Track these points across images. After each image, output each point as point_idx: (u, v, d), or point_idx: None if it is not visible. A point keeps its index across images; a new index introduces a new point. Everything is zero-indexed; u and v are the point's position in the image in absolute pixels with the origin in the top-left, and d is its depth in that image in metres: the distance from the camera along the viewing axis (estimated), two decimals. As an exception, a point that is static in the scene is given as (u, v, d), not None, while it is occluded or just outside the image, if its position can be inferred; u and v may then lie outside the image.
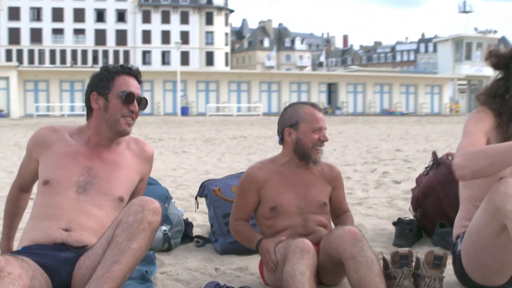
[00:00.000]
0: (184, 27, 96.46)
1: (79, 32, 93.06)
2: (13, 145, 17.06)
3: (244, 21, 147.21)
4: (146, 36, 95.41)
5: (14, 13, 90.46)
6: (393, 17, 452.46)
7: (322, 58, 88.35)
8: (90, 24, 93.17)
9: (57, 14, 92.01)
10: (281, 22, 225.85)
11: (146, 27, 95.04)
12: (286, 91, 57.18)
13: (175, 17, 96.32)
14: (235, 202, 3.72)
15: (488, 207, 3.03)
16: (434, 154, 5.03)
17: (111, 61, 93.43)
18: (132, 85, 3.17)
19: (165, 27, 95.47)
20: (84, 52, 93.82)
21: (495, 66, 3.33)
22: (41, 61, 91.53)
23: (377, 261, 3.11)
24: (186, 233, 4.89)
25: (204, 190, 4.80)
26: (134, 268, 2.79)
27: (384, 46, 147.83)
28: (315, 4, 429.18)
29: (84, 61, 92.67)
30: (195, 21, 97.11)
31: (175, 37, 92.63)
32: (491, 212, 3.01)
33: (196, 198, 4.92)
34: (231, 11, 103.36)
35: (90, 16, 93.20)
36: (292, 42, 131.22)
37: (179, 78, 51.20)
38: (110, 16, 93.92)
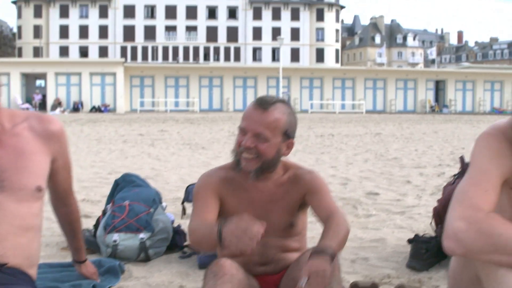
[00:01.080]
0: (295, 24, 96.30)
1: (191, 29, 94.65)
2: (94, 139, 17.13)
3: (355, 17, 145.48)
4: (257, 33, 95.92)
5: (129, 11, 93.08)
6: (511, 11, 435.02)
7: (433, 55, 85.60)
8: (202, 21, 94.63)
9: (170, 12, 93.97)
10: (394, 18, 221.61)
11: (257, 23, 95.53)
12: (392, 88, 55.70)
13: (285, 14, 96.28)
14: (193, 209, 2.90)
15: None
16: (462, 159, 4.30)
17: (222, 57, 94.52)
18: None
19: (276, 23, 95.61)
20: (196, 49, 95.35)
21: None
22: (154, 57, 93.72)
23: None
24: (174, 242, 4.40)
25: (189, 195, 4.30)
26: None
27: (501, 42, 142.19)
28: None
29: (196, 58, 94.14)
30: (306, 17, 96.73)
31: (285, 33, 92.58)
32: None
33: (182, 203, 4.41)
34: (342, 7, 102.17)
35: (202, 13, 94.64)
36: (404, 38, 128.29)
37: (281, 75, 50.81)
38: (222, 13, 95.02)
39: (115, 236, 4.14)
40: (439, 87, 56.84)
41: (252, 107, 2.71)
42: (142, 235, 4.15)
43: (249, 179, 2.79)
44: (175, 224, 4.61)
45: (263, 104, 2.69)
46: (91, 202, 6.54)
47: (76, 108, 48.81)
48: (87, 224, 5.16)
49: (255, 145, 2.67)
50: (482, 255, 2.06)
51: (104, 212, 4.50)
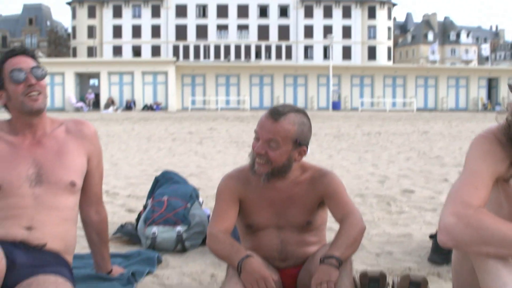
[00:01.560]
0: (346, 22, 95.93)
1: (242, 27, 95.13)
2: (145, 138, 17.59)
3: (408, 15, 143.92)
4: (308, 31, 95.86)
5: (181, 10, 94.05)
6: None
7: (487, 52, 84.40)
8: (253, 20, 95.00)
9: (222, 11, 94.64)
10: (447, 15, 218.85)
11: (308, 22, 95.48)
12: (444, 85, 55.26)
13: (337, 12, 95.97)
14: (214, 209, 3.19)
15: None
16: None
17: (273, 56, 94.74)
18: (19, 62, 2.94)
19: (327, 21, 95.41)
20: (247, 47, 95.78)
21: None
22: (206, 56, 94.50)
23: None
24: (210, 235, 4.70)
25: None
26: None
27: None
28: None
29: (247, 56, 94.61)
30: (357, 15, 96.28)
31: (337, 31, 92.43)
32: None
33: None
34: (394, 4, 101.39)
35: (253, 12, 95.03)
36: (458, 35, 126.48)
37: (331, 73, 50.86)
38: (273, 12, 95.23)
39: (154, 229, 4.45)
40: (491, 85, 56.14)
41: (265, 116, 2.93)
42: (179, 228, 4.45)
43: (272, 180, 3.02)
44: (211, 218, 4.90)
45: (274, 114, 2.90)
46: (136, 197, 6.88)
47: (129, 106, 49.71)
48: (131, 218, 5.52)
49: (266, 151, 2.90)
50: (472, 247, 2.28)
51: (145, 207, 4.82)
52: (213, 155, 12.40)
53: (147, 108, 49.64)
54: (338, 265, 2.73)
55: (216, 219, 3.05)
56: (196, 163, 10.79)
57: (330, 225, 4.37)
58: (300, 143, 2.95)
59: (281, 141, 2.89)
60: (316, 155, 12.13)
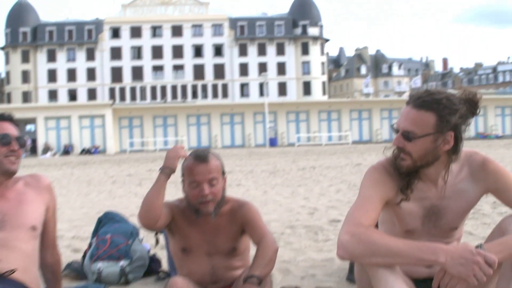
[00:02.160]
0: (281, 58, 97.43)
1: (178, 67, 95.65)
2: (84, 182, 17.84)
3: (341, 49, 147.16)
4: (243, 69, 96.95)
5: (116, 52, 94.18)
6: (494, 37, 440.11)
7: (418, 83, 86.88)
8: (188, 60, 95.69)
9: (157, 52, 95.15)
10: (378, 48, 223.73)
11: (243, 60, 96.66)
12: (377, 118, 56.79)
13: (271, 49, 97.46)
14: None
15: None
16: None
17: (209, 94, 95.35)
18: (6, 128, 3.42)
19: (262, 59, 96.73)
20: (184, 87, 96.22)
21: None
22: (143, 97, 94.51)
23: None
24: (151, 268, 5.16)
25: (161, 227, 5.08)
26: None
27: (485, 67, 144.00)
28: (413, 28, 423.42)
29: (184, 95, 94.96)
30: (291, 51, 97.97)
31: (272, 68, 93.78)
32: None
33: (156, 235, 5.18)
34: (327, 40, 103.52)
35: (188, 52, 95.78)
36: (390, 67, 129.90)
37: (266, 110, 51.75)
38: (208, 51, 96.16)
39: (99, 264, 4.90)
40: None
41: (194, 163, 3.42)
42: (122, 263, 4.91)
43: (197, 216, 3.51)
44: (151, 253, 5.38)
45: (202, 158, 3.43)
46: (80, 239, 7.28)
47: (67, 151, 49.51)
48: (77, 257, 5.93)
49: (210, 191, 3.42)
50: (363, 259, 2.83)
51: (89, 245, 5.26)
52: (152, 195, 12.76)
53: (85, 152, 49.50)
54: (258, 282, 3.26)
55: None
56: (136, 204, 11.16)
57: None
58: (224, 173, 3.51)
59: (218, 176, 3.44)
60: (251, 191, 12.67)
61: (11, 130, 3.45)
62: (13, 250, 3.33)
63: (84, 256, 5.27)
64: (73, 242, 7.07)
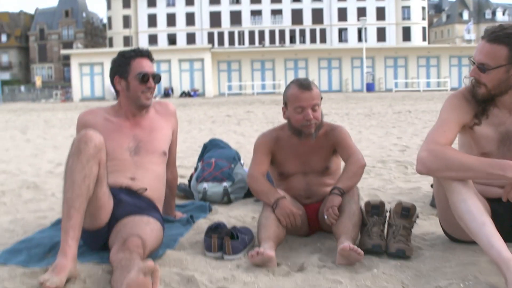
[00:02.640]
0: (380, 3, 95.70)
1: (276, 12, 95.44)
2: (185, 121, 18.61)
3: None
4: (342, 14, 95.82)
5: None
6: None
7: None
8: (287, 4, 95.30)
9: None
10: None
11: (342, 4, 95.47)
12: (478, 64, 55.37)
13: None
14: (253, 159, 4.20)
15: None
16: None
17: (307, 40, 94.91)
18: (145, 66, 3.91)
19: (361, 3, 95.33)
20: (282, 32, 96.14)
21: None
22: (241, 42, 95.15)
23: (359, 214, 3.74)
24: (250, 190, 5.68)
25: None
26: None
27: None
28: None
29: (281, 41, 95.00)
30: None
31: (371, 13, 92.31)
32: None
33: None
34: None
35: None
36: (493, 13, 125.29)
37: (364, 55, 51.37)
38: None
39: (205, 185, 5.46)
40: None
41: (301, 90, 3.86)
42: (225, 184, 5.44)
43: (293, 137, 4.01)
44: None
45: (307, 86, 3.88)
46: (185, 167, 7.88)
47: (167, 93, 50.84)
48: (183, 181, 6.53)
49: (313, 115, 3.87)
50: (439, 173, 3.22)
51: (195, 169, 5.83)
52: (250, 133, 13.34)
53: (184, 94, 50.75)
54: (340, 194, 3.75)
55: (255, 165, 4.06)
56: (235, 140, 11.75)
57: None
58: (321, 99, 3.96)
59: (319, 102, 3.91)
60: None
61: (149, 67, 3.94)
62: (147, 171, 3.87)
63: (190, 180, 5.83)
64: (179, 170, 7.66)
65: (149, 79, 3.92)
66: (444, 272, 3.16)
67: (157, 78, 3.98)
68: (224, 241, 3.58)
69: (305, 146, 4.03)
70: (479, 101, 3.40)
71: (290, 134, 4.04)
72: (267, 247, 3.40)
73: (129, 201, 3.62)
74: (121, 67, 3.91)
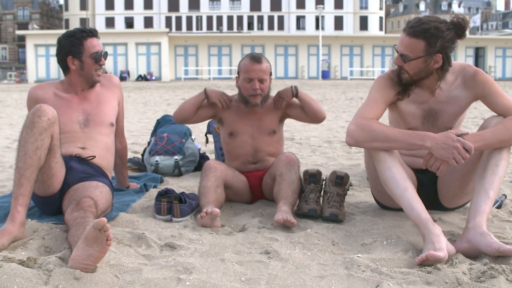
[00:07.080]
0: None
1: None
2: (141, 103, 18.78)
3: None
4: (300, 2, 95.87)
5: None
6: None
7: (477, 22, 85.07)
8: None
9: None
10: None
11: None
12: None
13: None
14: None
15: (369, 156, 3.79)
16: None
17: (265, 26, 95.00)
18: (96, 45, 4.19)
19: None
20: (240, 18, 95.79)
21: None
22: (198, 27, 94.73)
23: (298, 182, 4.08)
24: (200, 164, 5.98)
25: (210, 127, 5.89)
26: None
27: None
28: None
29: (239, 27, 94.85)
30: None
31: (329, 2, 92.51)
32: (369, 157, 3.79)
33: (206, 135, 6.01)
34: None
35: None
36: (449, 5, 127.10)
37: (320, 43, 51.87)
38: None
39: (157, 158, 5.76)
40: (478, 54, 57.25)
41: (252, 62, 4.23)
42: (176, 157, 5.75)
43: (246, 106, 4.35)
44: (202, 151, 6.21)
45: (257, 59, 4.24)
46: (139, 144, 8.17)
47: (123, 77, 50.54)
48: (137, 155, 6.81)
49: (260, 86, 4.24)
50: (366, 144, 3.57)
51: (149, 143, 6.12)
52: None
53: (141, 78, 50.60)
54: (295, 91, 4.32)
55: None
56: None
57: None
58: (271, 74, 4.34)
59: (267, 76, 4.28)
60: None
61: (99, 46, 4.24)
62: (96, 142, 4.16)
63: (143, 154, 6.12)
64: (132, 146, 7.97)
65: (101, 58, 4.19)
66: (371, 233, 3.52)
67: (105, 55, 4.25)
68: (173, 205, 3.89)
69: (255, 112, 4.39)
70: (404, 84, 3.76)
71: (241, 103, 4.39)
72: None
73: (79, 168, 3.91)
74: (74, 47, 4.15)
